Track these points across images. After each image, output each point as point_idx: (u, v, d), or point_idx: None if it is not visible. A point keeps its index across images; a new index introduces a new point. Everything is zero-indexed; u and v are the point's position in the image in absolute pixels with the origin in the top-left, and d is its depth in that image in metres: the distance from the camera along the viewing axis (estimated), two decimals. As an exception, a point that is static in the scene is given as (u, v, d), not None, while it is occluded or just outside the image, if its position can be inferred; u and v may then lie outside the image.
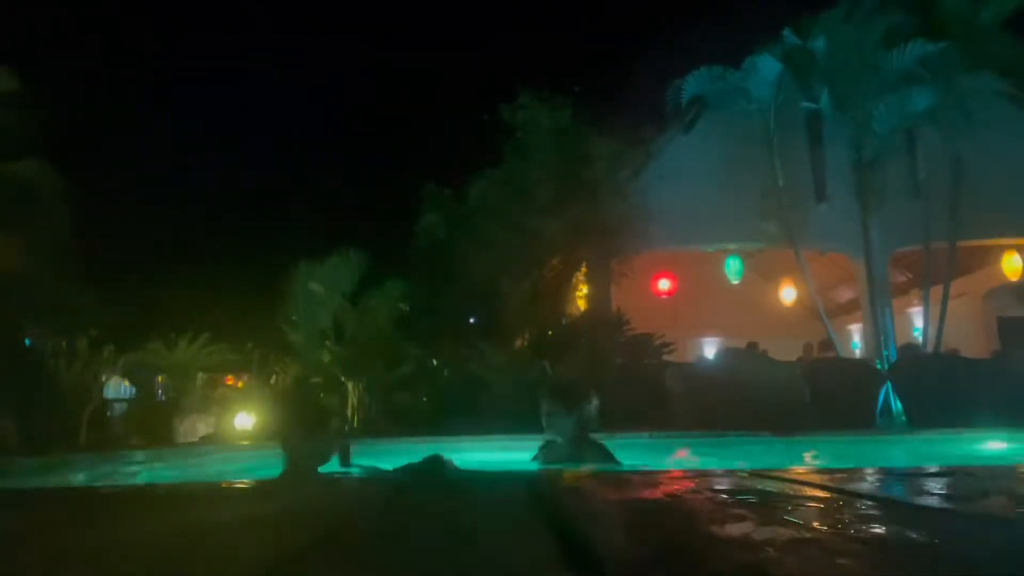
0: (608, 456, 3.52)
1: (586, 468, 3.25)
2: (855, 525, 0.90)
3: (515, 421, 7.24)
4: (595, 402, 3.57)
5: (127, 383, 11.73)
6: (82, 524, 1.10)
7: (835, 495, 1.17)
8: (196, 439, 9.61)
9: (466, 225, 11.21)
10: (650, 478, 1.59)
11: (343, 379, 10.66)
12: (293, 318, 11.25)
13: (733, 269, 12.91)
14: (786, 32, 11.23)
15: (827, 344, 12.27)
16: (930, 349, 11.07)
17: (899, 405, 9.51)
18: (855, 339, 15.52)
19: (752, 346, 11.42)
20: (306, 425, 3.34)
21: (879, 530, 0.88)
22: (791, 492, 1.26)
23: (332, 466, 3.29)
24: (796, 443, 6.49)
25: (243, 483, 2.39)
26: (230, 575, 0.75)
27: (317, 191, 21.34)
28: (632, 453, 3.95)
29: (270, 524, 1.09)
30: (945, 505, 1.15)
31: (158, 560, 0.81)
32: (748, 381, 8.66)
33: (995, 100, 11.33)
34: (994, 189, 11.00)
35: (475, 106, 11.27)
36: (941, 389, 8.61)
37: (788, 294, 14.05)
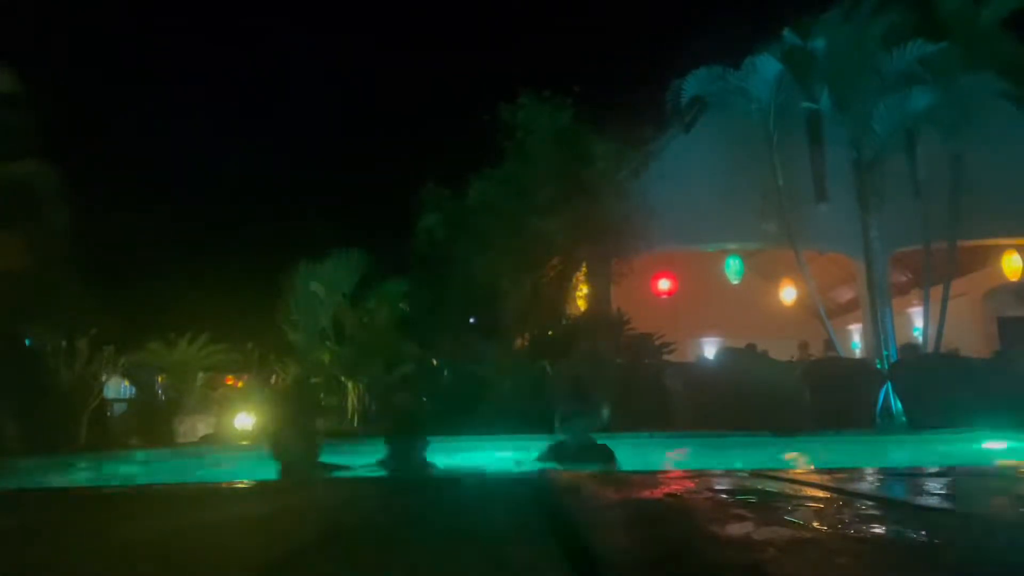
0: (611, 458, 3.52)
1: (588, 469, 3.24)
2: (855, 525, 0.90)
3: (515, 421, 7.25)
4: (605, 408, 3.62)
5: (127, 383, 11.73)
6: (82, 524, 1.10)
7: (835, 495, 1.17)
8: (196, 439, 9.61)
9: (466, 225, 11.22)
10: (650, 478, 1.59)
11: (343, 379, 10.66)
12: (293, 318, 11.25)
13: (733, 269, 12.92)
14: (786, 32, 11.23)
15: (827, 344, 12.28)
16: (930, 349, 11.08)
17: (899, 405, 9.51)
18: (855, 339, 15.52)
19: (750, 347, 11.44)
20: (301, 424, 3.37)
21: (879, 530, 0.88)
22: (791, 492, 1.26)
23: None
24: (796, 443, 6.49)
25: (243, 483, 2.39)
26: (230, 574, 0.75)
27: (317, 191, 21.36)
28: (633, 453, 3.95)
29: (270, 524, 1.09)
30: (945, 505, 1.15)
31: (158, 560, 0.81)
32: (748, 381, 8.66)
33: (995, 100, 11.33)
34: (994, 189, 11.01)
35: (475, 106, 11.29)
36: (941, 389, 8.61)
37: (788, 294, 14.06)
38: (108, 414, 9.97)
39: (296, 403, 3.66)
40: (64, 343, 8.36)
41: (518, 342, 11.56)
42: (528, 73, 14.41)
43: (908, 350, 11.54)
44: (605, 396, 3.64)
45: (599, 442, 3.63)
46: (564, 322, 11.53)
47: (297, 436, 3.28)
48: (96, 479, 4.65)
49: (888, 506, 1.10)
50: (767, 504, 1.09)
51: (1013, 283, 12.59)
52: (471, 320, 12.37)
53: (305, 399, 3.76)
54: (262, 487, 1.97)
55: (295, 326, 11.21)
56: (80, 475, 4.73)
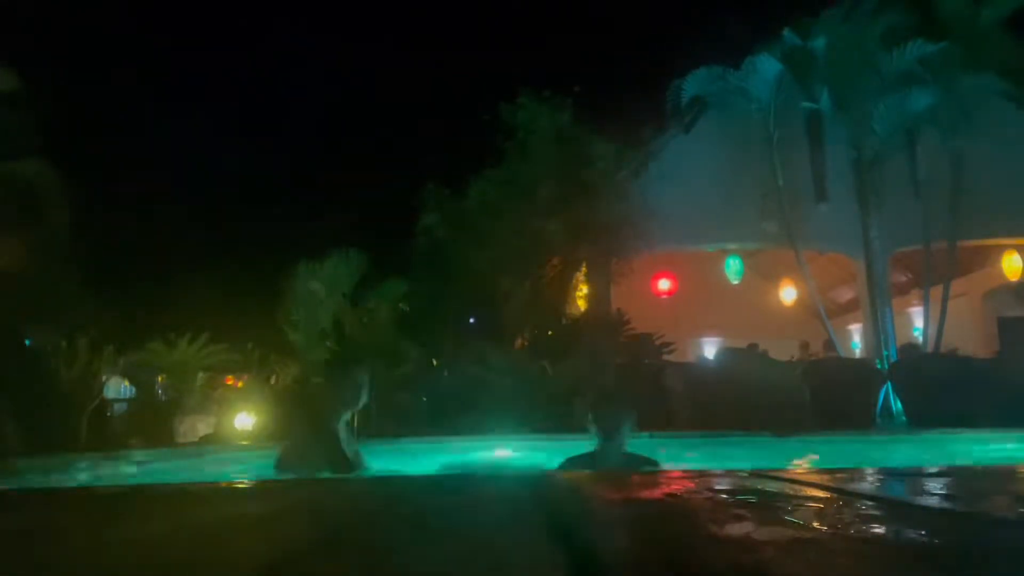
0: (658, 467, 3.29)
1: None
2: (855, 525, 0.90)
3: (516, 421, 7.25)
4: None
5: (127, 383, 11.74)
6: (82, 524, 1.10)
7: (835, 495, 1.17)
8: (196, 439, 9.61)
9: (466, 225, 11.21)
10: (650, 478, 1.59)
11: (343, 379, 10.65)
12: (293, 318, 11.26)
13: (733, 269, 12.92)
14: (786, 32, 11.25)
15: (826, 344, 12.28)
16: (930, 349, 11.08)
17: (899, 405, 9.51)
18: (855, 339, 15.52)
19: (752, 347, 11.44)
20: (311, 426, 3.18)
21: (879, 530, 0.88)
22: (791, 492, 1.26)
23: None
24: (796, 443, 6.48)
25: (243, 483, 2.39)
26: (231, 574, 0.75)
27: (317, 191, 21.36)
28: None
29: (271, 524, 1.09)
30: (945, 505, 1.15)
31: (158, 561, 0.81)
32: (748, 381, 8.65)
33: (995, 100, 11.33)
34: (994, 189, 11.01)
35: (475, 106, 11.28)
36: (941, 389, 8.61)
37: (788, 294, 14.06)
38: (108, 414, 9.97)
39: (310, 405, 3.48)
40: (64, 343, 8.36)
41: (518, 342, 11.55)
42: (528, 73, 14.41)
43: (908, 350, 11.54)
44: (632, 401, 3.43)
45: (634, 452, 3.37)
46: (564, 322, 11.53)
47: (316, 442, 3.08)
48: (96, 479, 4.65)
49: (888, 506, 1.10)
50: (767, 504, 1.09)
51: (1013, 283, 12.59)
52: (471, 320, 12.36)
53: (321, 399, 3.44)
54: (262, 487, 1.97)
55: (295, 326, 11.22)
56: (80, 475, 4.72)
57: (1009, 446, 6.15)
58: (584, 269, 12.12)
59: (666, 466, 3.28)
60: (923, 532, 0.86)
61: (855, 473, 1.55)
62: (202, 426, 10.27)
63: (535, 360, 9.70)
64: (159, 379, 11.39)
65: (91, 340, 8.56)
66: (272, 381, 12.18)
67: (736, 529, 0.86)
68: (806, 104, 11.50)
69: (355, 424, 10.25)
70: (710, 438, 6.91)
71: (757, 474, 1.41)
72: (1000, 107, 11.54)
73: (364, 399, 3.03)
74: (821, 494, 1.20)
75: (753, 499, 1.12)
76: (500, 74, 20.47)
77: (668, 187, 11.17)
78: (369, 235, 13.73)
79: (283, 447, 3.03)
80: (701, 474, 1.61)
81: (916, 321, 12.90)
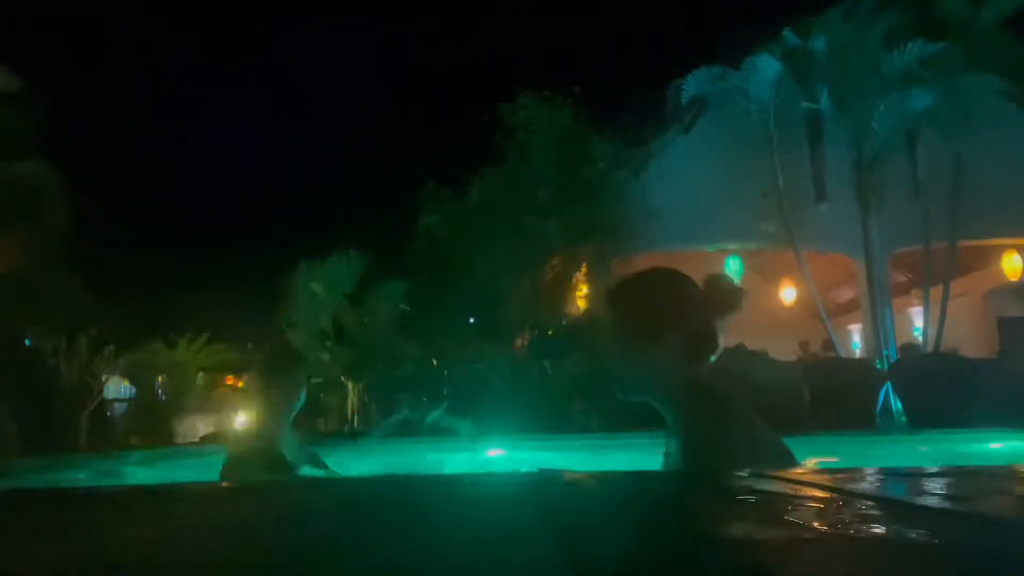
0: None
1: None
2: (855, 525, 0.90)
3: (516, 421, 7.24)
4: None
5: (127, 383, 11.75)
6: (82, 524, 1.10)
7: (835, 495, 1.17)
8: (196, 439, 9.62)
9: (466, 225, 11.22)
10: (649, 478, 1.59)
11: (343, 379, 10.67)
12: (293, 318, 11.27)
13: (733, 269, 12.91)
14: (786, 32, 11.24)
15: (825, 344, 12.28)
16: (930, 349, 11.08)
17: (899, 405, 9.50)
18: (855, 339, 15.52)
19: (740, 348, 11.39)
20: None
21: (879, 530, 0.87)
22: (791, 492, 1.26)
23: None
24: (796, 443, 6.47)
25: (242, 483, 2.39)
26: (231, 574, 0.75)
27: (318, 191, 21.36)
28: (631, 454, 3.94)
29: (271, 524, 1.09)
30: (945, 505, 1.15)
31: (157, 561, 0.81)
32: (747, 381, 8.64)
33: (995, 100, 11.32)
34: (994, 189, 11.00)
35: (475, 106, 11.29)
36: (941, 389, 8.60)
37: (788, 294, 14.05)
38: (108, 414, 9.98)
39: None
40: (64, 343, 8.37)
41: (518, 342, 11.55)
42: (528, 73, 14.41)
43: (908, 350, 11.53)
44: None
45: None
46: (564, 322, 11.53)
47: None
48: (96, 479, 4.64)
49: (888, 506, 1.10)
50: (767, 504, 1.09)
51: (1013, 283, 12.58)
52: (471, 320, 12.37)
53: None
54: (261, 487, 1.97)
55: (295, 326, 11.23)
56: (80, 475, 4.72)
57: (1009, 446, 6.15)
58: (584, 269, 12.12)
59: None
60: (923, 532, 0.86)
61: (855, 473, 1.55)
62: (202, 426, 10.29)
63: (535, 360, 9.71)
64: (159, 379, 11.39)
65: (91, 340, 8.57)
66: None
67: (736, 529, 0.85)
68: (806, 104, 11.49)
69: (356, 424, 10.27)
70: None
71: (757, 474, 1.41)
72: (1000, 107, 11.52)
73: (302, 399, 2.93)
74: (821, 494, 1.20)
75: (753, 499, 1.12)
76: (500, 74, 20.50)
77: (668, 187, 11.16)
78: (369, 235, 13.75)
79: (227, 453, 2.92)
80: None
81: (916, 321, 12.89)
